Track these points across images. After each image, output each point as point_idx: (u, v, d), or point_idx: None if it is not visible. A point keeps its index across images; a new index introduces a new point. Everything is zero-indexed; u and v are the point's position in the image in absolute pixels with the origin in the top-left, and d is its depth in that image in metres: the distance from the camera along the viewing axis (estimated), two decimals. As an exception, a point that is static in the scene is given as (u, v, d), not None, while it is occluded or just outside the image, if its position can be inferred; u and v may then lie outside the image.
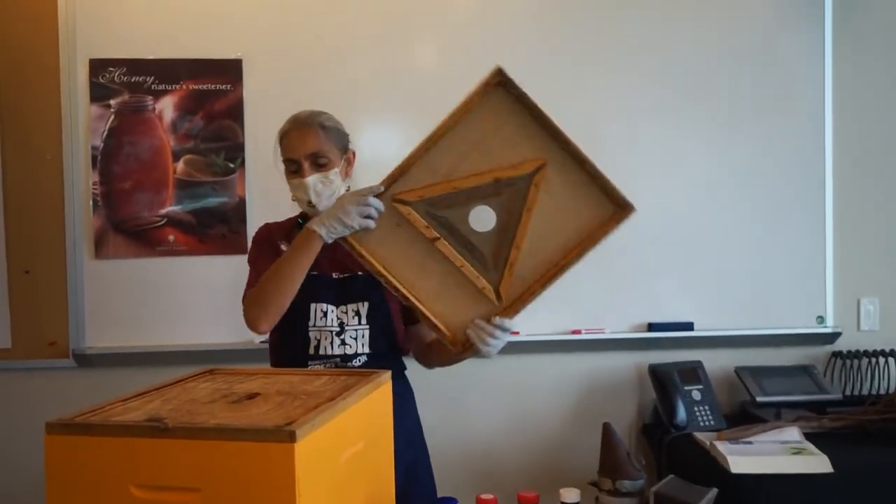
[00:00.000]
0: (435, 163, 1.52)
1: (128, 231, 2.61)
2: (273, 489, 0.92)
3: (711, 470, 2.14)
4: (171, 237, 2.61)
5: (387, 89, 2.68)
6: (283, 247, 1.88)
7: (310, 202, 1.80)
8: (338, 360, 1.79)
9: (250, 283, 1.86)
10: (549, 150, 1.48)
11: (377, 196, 1.58)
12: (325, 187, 1.81)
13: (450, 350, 1.71)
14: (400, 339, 1.90)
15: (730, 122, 2.77)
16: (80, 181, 2.61)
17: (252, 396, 1.16)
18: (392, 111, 2.68)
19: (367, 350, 1.81)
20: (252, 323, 1.72)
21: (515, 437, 2.80)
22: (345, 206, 1.60)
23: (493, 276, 1.54)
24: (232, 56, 2.64)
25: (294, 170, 1.81)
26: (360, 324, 1.81)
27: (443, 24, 2.71)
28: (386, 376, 1.32)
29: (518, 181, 1.50)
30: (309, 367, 1.79)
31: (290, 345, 1.82)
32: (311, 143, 1.81)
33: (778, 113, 2.78)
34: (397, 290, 1.57)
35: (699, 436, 2.40)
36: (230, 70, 2.64)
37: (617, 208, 1.48)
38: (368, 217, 1.58)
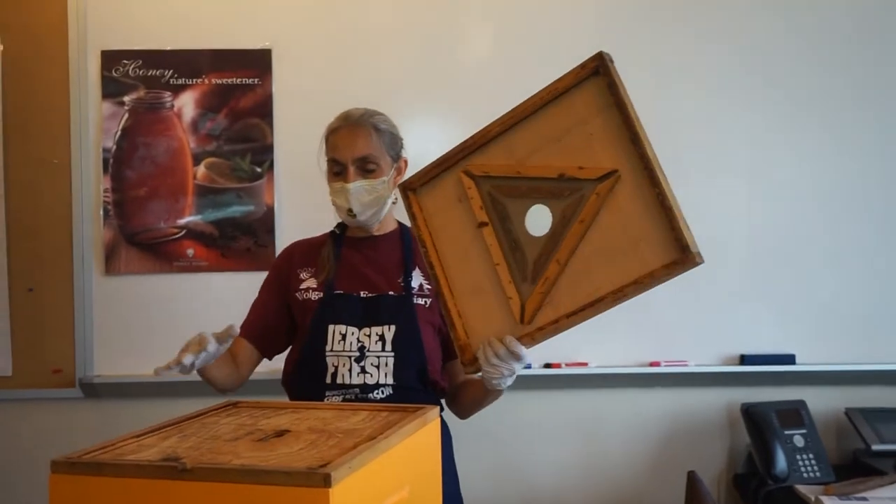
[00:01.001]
0: (513, 145, 1.52)
1: (142, 244, 2.66)
2: (305, 541, 0.92)
3: (817, 530, 2.09)
4: (190, 251, 2.66)
5: (433, 82, 2.70)
6: (303, 275, 1.91)
7: (350, 211, 1.83)
8: (357, 390, 1.79)
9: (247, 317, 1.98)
10: (627, 161, 1.40)
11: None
12: (370, 197, 1.84)
13: (476, 385, 1.76)
14: (434, 372, 1.88)
15: (842, 122, 2.73)
16: (90, 188, 2.67)
17: (280, 434, 1.17)
18: (438, 106, 2.70)
19: (390, 381, 1.80)
20: None
21: (583, 488, 2.77)
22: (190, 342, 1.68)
23: (527, 289, 1.50)
24: (260, 46, 2.69)
25: (338, 172, 1.85)
26: (383, 350, 1.81)
27: (495, 10, 2.73)
28: (434, 412, 1.32)
29: (583, 186, 1.44)
30: (325, 399, 1.80)
31: (306, 372, 1.84)
32: (362, 145, 1.84)
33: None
34: (431, 266, 1.58)
35: (802, 489, 2.36)
36: (258, 61, 2.68)
37: (678, 254, 1.33)
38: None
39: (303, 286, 1.90)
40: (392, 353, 1.81)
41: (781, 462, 2.45)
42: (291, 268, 1.96)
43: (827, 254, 2.72)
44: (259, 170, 2.68)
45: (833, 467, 2.52)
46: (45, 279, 2.69)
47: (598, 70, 1.42)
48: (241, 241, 2.67)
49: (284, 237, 2.61)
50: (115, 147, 2.67)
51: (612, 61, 1.42)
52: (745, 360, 2.69)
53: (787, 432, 2.53)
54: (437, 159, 1.61)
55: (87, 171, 2.67)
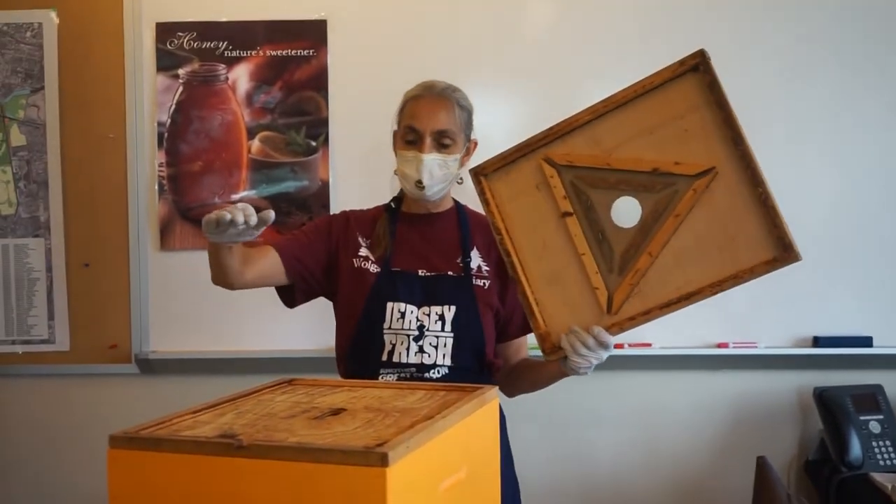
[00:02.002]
0: (600, 135, 1.56)
1: (196, 219, 2.70)
2: (361, 520, 0.93)
3: (894, 520, 2.06)
4: (244, 227, 2.69)
5: (494, 54, 2.69)
6: (362, 241, 1.91)
7: (419, 182, 1.83)
8: (413, 370, 1.80)
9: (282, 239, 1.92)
10: (725, 159, 1.47)
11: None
12: (441, 172, 1.84)
13: (538, 369, 1.80)
14: (490, 353, 1.89)
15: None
16: (145, 163, 2.72)
17: (336, 412, 1.18)
18: (498, 81, 2.69)
19: (448, 362, 1.81)
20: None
21: (647, 473, 2.76)
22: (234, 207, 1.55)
23: (613, 280, 1.56)
24: (315, 16, 2.70)
25: (412, 140, 1.85)
26: (442, 330, 1.81)
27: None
28: (492, 392, 1.32)
29: (678, 181, 1.50)
30: (380, 377, 1.81)
31: (362, 349, 1.84)
32: (443, 119, 1.84)
33: None
34: (508, 255, 1.62)
35: (878, 477, 2.32)
36: (313, 32, 2.70)
37: (779, 251, 1.45)
38: (223, 223, 1.52)
39: (361, 253, 1.90)
40: (451, 334, 1.82)
41: (856, 449, 2.41)
42: (350, 231, 1.94)
43: (907, 231, 2.66)
44: (314, 144, 2.70)
45: (912, 455, 2.48)
46: (101, 255, 2.76)
47: (699, 67, 1.48)
48: (295, 216, 2.69)
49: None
50: (169, 121, 2.71)
51: (710, 59, 1.47)
52: (818, 342, 2.65)
53: (862, 418, 2.49)
54: (515, 146, 1.63)
55: (141, 145, 2.72)
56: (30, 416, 2.82)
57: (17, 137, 2.75)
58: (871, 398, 2.55)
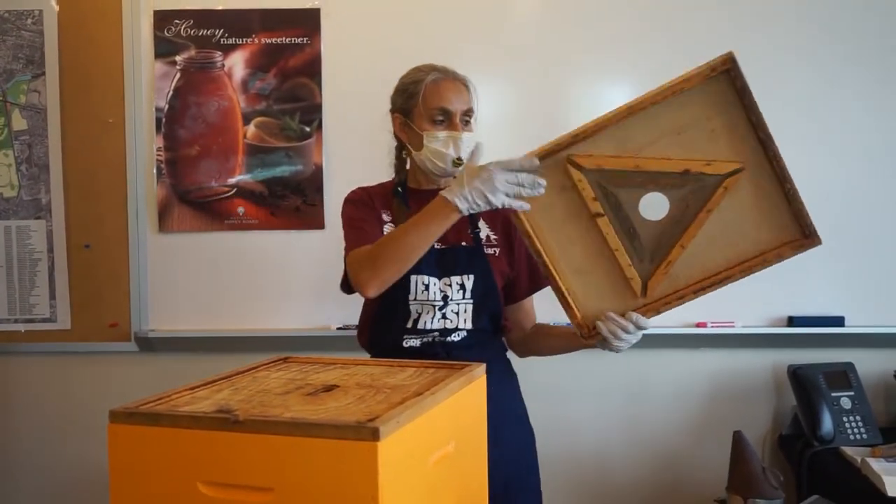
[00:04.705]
0: (626, 135, 1.54)
1: (194, 202, 2.70)
2: (353, 492, 0.94)
3: (863, 492, 2.07)
4: (240, 209, 2.69)
5: (487, 41, 2.67)
6: (385, 216, 1.92)
7: (459, 158, 1.83)
8: (436, 334, 1.86)
9: (353, 242, 1.84)
10: (751, 156, 1.52)
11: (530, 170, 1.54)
12: (469, 149, 1.81)
13: (569, 341, 1.80)
14: (502, 317, 1.96)
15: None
16: (144, 147, 2.71)
17: (329, 389, 1.19)
18: (494, 66, 2.67)
19: (468, 325, 1.87)
20: (362, 285, 1.72)
21: (628, 447, 2.77)
22: (493, 182, 1.54)
23: (646, 268, 1.58)
24: (308, 5, 2.68)
25: (442, 120, 1.86)
26: (464, 298, 1.86)
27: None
28: (480, 369, 1.33)
29: (708, 179, 1.53)
30: (404, 343, 1.86)
31: (388, 319, 1.88)
32: (467, 98, 1.89)
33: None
34: (539, 255, 1.61)
35: (848, 451, 2.34)
36: (307, 21, 2.68)
37: (802, 237, 1.53)
38: (518, 196, 1.54)
39: (385, 229, 1.90)
40: (471, 301, 1.87)
41: (828, 424, 2.43)
42: (375, 207, 1.93)
43: (879, 212, 2.66)
44: (308, 129, 2.68)
45: (881, 430, 2.49)
46: (101, 236, 2.74)
47: (730, 72, 1.50)
48: (290, 199, 2.68)
49: (332, 195, 2.62)
50: (167, 106, 2.70)
51: (738, 63, 1.50)
52: (793, 321, 2.66)
53: (833, 394, 2.51)
54: (539, 149, 1.60)
55: (140, 130, 2.70)
56: (32, 392, 2.82)
57: (19, 122, 2.73)
58: (842, 375, 2.56)
